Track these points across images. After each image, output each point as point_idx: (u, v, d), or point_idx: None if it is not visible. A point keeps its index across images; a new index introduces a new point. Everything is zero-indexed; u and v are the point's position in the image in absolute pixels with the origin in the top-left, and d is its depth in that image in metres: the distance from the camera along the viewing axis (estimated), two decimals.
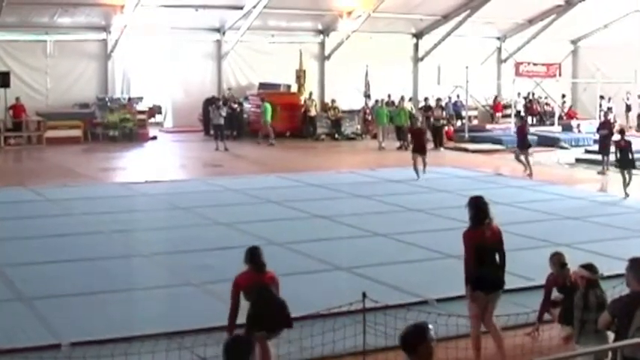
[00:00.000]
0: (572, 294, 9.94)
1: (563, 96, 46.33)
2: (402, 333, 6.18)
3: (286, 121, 39.22)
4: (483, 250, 10.34)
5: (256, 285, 9.54)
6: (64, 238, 16.87)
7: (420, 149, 25.82)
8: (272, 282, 9.72)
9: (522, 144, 27.49)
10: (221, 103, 36.41)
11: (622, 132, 25.62)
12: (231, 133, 37.67)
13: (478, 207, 10.48)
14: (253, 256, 9.77)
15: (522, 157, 26.94)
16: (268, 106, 37.32)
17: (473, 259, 10.31)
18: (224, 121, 34.95)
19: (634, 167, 24.12)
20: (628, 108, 44.91)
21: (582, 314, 8.72)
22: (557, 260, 11.01)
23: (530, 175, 26.31)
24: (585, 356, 7.97)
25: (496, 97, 47.30)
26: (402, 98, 40.17)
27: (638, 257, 8.36)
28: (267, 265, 9.76)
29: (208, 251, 15.95)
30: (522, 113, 44.22)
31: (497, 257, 10.45)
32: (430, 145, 36.19)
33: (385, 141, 36.18)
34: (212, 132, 36.11)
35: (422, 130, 28.24)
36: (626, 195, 22.82)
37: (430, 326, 6.16)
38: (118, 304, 12.48)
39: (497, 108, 46.90)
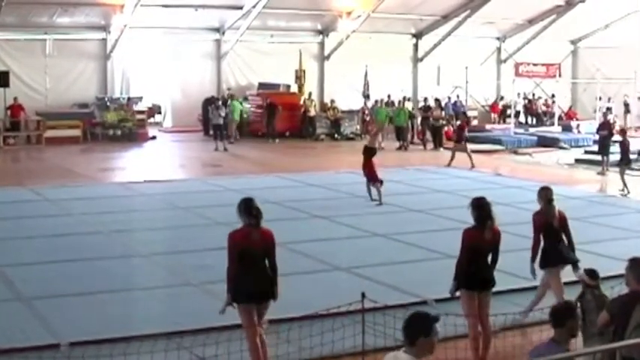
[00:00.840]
0: (556, 234, 11.37)
1: (553, 95, 46.32)
2: (407, 321, 6.28)
3: (286, 121, 39.21)
4: (480, 250, 10.39)
5: (249, 250, 9.43)
6: (63, 238, 16.85)
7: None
8: (268, 240, 9.62)
9: (459, 137, 29.86)
10: (220, 103, 36.41)
11: (624, 132, 25.99)
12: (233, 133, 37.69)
13: (482, 208, 10.49)
14: (248, 208, 9.57)
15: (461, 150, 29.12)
16: (237, 104, 37.67)
17: (466, 258, 10.35)
18: (223, 121, 34.97)
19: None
20: (627, 109, 44.88)
21: (582, 317, 8.70)
22: (545, 195, 11.72)
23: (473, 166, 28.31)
24: (586, 356, 7.98)
25: (500, 98, 47.21)
26: (405, 98, 40.25)
27: (638, 257, 8.37)
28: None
29: (207, 251, 15.90)
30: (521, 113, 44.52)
31: (489, 258, 10.49)
32: (430, 146, 36.40)
33: (385, 141, 36.15)
34: (211, 132, 36.13)
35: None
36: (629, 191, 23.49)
37: (437, 319, 6.26)
38: (117, 304, 12.46)
39: (494, 109, 46.87)
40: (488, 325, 10.48)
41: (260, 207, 9.59)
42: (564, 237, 11.80)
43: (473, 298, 10.37)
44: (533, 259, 11.70)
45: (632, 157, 25.75)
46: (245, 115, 39.02)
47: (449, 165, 28.66)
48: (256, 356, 9.57)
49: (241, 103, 38.64)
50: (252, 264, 9.49)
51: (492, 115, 46.48)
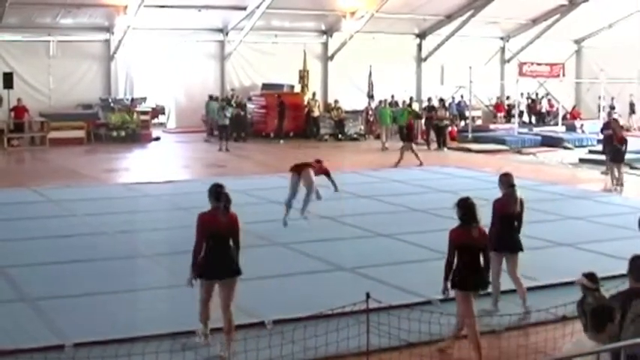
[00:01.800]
0: (514, 221, 12.31)
1: (547, 94, 46.30)
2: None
3: (290, 121, 39.22)
4: (469, 249, 10.44)
5: (216, 231, 10.30)
6: (67, 239, 16.87)
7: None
8: (233, 223, 10.47)
9: (408, 137, 30.14)
10: (225, 103, 36.49)
11: (608, 125, 26.50)
12: (239, 135, 37.71)
13: (467, 207, 10.60)
14: (217, 193, 10.49)
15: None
16: (214, 104, 38.05)
17: (458, 258, 10.46)
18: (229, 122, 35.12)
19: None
20: (632, 109, 44.85)
21: (584, 321, 8.67)
22: (507, 181, 12.54)
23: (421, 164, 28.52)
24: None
25: (505, 98, 47.19)
26: (411, 99, 40.31)
27: (638, 255, 8.41)
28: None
29: None
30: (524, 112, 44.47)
31: (481, 258, 10.52)
32: (434, 145, 36.40)
33: (388, 141, 36.15)
34: (216, 132, 36.20)
35: None
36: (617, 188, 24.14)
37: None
38: (122, 305, 12.47)
39: (498, 108, 46.85)
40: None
41: (229, 194, 10.50)
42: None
43: (468, 298, 10.43)
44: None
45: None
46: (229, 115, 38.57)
47: (396, 165, 28.53)
48: (205, 316, 10.60)
49: (231, 104, 38.29)
50: (217, 243, 10.30)
51: (498, 114, 46.38)
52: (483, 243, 10.52)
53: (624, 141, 25.41)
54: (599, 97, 41.69)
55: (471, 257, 10.39)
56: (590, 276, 8.85)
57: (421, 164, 28.66)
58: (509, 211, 12.18)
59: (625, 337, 7.78)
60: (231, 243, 10.43)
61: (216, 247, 10.34)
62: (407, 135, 30.55)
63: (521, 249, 12.37)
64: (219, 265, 10.33)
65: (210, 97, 39.08)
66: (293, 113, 39.37)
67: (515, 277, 12.25)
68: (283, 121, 38.57)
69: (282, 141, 37.77)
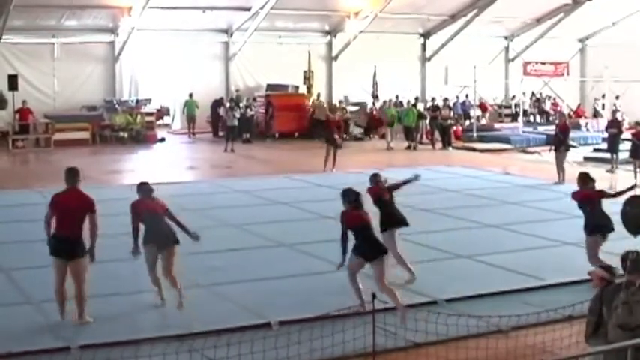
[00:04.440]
0: (388, 204, 14.02)
1: (533, 94, 46.27)
2: None
3: (294, 122, 39.23)
4: (364, 228, 12.01)
5: (149, 212, 12.48)
6: None
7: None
8: (162, 209, 12.58)
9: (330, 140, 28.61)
10: (234, 104, 36.60)
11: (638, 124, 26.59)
12: (246, 136, 37.77)
13: (356, 194, 12.36)
14: (144, 188, 12.88)
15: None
16: (192, 102, 39.28)
17: (346, 235, 12.09)
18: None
19: None
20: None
21: (597, 317, 8.65)
22: (376, 180, 14.04)
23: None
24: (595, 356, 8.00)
25: (511, 98, 47.09)
26: (416, 99, 40.33)
27: (631, 250, 8.47)
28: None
29: (217, 253, 15.95)
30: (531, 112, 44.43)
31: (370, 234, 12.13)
32: (438, 145, 36.39)
33: (393, 141, 36.15)
34: (222, 133, 36.32)
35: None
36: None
37: None
38: (127, 307, 12.47)
39: (578, 113, 45.99)
40: (387, 287, 11.83)
41: (152, 187, 12.96)
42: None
43: (362, 264, 12.10)
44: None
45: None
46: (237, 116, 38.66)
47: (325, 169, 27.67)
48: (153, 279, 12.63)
49: (239, 105, 38.47)
50: (152, 223, 12.42)
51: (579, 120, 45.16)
52: (369, 223, 12.24)
53: None
54: (602, 96, 41.63)
55: (364, 233, 11.99)
56: (608, 268, 8.84)
57: (333, 169, 27.45)
58: (380, 197, 14.02)
59: (610, 322, 8.08)
60: (166, 219, 12.50)
61: (152, 226, 12.42)
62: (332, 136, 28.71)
63: (405, 224, 14.31)
64: (155, 238, 12.43)
65: (190, 95, 39.85)
66: (297, 114, 39.37)
67: (396, 254, 13.75)
68: (272, 121, 38.69)
69: (268, 139, 37.87)
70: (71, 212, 11.78)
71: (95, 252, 11.79)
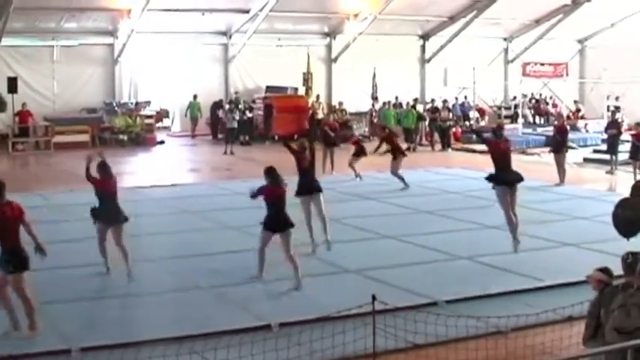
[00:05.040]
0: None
1: (532, 96, 46.27)
2: None
3: (293, 124, 39.21)
4: (279, 200, 13.93)
5: (103, 188, 14.60)
6: (73, 244, 16.87)
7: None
8: (115, 187, 14.82)
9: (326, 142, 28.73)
10: (233, 106, 36.60)
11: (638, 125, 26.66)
12: (244, 138, 37.78)
13: (274, 171, 14.23)
14: (104, 166, 14.95)
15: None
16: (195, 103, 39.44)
17: (271, 207, 13.98)
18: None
19: None
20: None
21: (597, 320, 8.64)
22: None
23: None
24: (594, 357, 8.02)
25: (512, 99, 47.00)
26: (416, 100, 40.33)
27: (631, 251, 8.50)
28: None
29: (218, 255, 15.97)
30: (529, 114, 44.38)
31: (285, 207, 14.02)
32: (438, 147, 36.41)
33: None
34: (221, 135, 36.32)
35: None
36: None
37: None
38: (128, 309, 12.49)
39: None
40: (293, 258, 13.78)
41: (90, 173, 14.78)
42: None
43: (270, 237, 14.01)
44: None
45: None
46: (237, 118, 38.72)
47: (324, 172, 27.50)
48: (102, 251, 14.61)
49: (239, 107, 38.56)
50: (107, 200, 14.54)
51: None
52: (284, 195, 14.15)
53: None
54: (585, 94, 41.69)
55: (279, 205, 13.94)
56: (606, 270, 8.85)
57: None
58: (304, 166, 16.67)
59: (607, 325, 8.07)
60: (117, 201, 14.56)
61: (106, 202, 14.58)
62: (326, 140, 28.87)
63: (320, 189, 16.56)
64: (109, 214, 14.43)
65: (195, 97, 39.92)
66: (296, 116, 39.35)
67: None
68: (270, 123, 38.65)
69: (267, 141, 37.89)
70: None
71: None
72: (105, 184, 14.61)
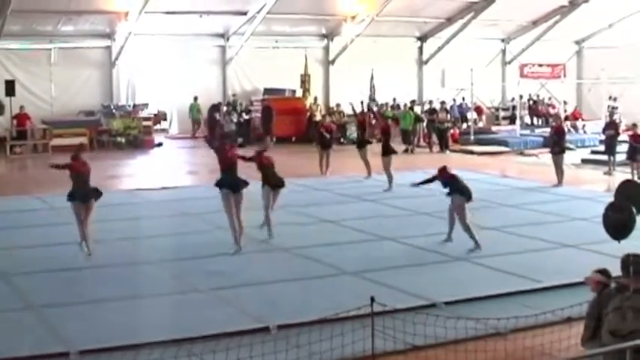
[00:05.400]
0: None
1: (512, 99, 46.24)
2: None
3: (291, 125, 39.26)
4: (231, 161, 16.48)
5: (77, 170, 16.07)
6: (71, 246, 16.83)
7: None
8: (86, 167, 16.23)
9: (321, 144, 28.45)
10: (231, 108, 36.60)
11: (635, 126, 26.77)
12: (239, 140, 37.78)
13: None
14: (76, 155, 16.45)
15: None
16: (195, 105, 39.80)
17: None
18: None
19: None
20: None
21: (596, 321, 8.62)
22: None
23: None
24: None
25: (511, 100, 47.03)
26: (413, 102, 40.34)
27: (629, 253, 8.48)
28: None
29: (215, 257, 15.95)
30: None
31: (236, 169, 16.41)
32: (436, 148, 36.43)
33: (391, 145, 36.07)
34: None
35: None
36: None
37: None
38: (126, 312, 12.46)
39: (575, 115, 45.87)
40: (240, 218, 16.47)
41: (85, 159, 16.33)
42: None
43: (229, 196, 16.36)
44: None
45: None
46: (235, 121, 38.82)
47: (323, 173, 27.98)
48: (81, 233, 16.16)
49: (236, 109, 38.66)
50: (81, 181, 16.11)
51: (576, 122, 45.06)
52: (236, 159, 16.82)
53: None
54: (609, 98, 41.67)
55: (231, 167, 16.44)
56: (604, 271, 8.84)
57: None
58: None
59: (603, 327, 8.07)
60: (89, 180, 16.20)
61: (81, 183, 16.08)
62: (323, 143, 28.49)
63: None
64: (85, 192, 16.06)
65: (195, 99, 40.05)
66: (294, 118, 39.39)
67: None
68: (270, 125, 38.69)
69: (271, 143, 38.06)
70: None
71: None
72: (78, 165, 16.21)
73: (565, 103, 44.16)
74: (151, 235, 18.31)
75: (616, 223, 13.34)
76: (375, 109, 40.06)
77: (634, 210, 14.22)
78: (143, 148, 36.42)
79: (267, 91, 41.03)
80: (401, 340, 10.77)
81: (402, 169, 27.08)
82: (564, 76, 43.79)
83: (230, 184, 16.39)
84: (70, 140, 35.17)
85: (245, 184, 16.47)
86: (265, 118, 38.69)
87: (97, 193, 16.26)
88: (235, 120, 35.56)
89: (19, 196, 23.51)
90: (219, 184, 16.53)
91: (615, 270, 8.64)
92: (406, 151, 35.92)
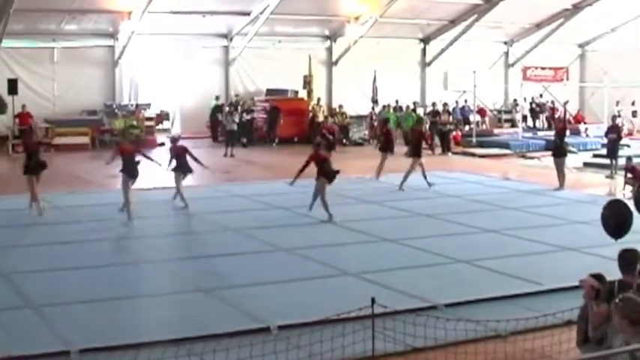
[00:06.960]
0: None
1: (532, 100, 46.21)
2: None
3: (294, 126, 39.24)
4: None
5: (30, 146, 19.82)
6: (72, 245, 16.89)
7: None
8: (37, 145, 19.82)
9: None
10: (233, 108, 36.60)
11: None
12: (242, 140, 37.77)
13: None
14: (30, 132, 19.29)
15: None
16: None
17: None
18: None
19: None
20: (634, 113, 44.80)
21: (587, 325, 8.57)
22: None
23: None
24: None
25: (514, 102, 46.99)
26: (415, 104, 40.34)
27: (627, 248, 8.47)
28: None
29: (217, 257, 15.97)
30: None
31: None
32: (438, 150, 36.42)
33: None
34: (222, 138, 36.31)
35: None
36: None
37: None
38: (127, 311, 12.48)
39: (578, 119, 45.96)
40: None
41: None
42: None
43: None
44: None
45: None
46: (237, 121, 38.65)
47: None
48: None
49: (238, 109, 38.63)
50: (34, 155, 19.56)
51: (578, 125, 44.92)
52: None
53: None
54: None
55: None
56: (598, 277, 8.80)
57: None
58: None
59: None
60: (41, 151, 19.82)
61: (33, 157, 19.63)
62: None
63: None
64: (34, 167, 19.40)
65: (217, 98, 39.79)
66: (297, 119, 39.39)
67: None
68: (275, 125, 38.75)
69: (274, 144, 37.97)
70: None
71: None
72: (31, 142, 21.10)
73: (567, 102, 44.01)
74: (153, 234, 18.35)
75: (615, 222, 13.30)
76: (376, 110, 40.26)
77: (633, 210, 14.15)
78: (145, 148, 36.31)
79: (269, 91, 41.05)
80: (401, 341, 10.77)
81: (403, 171, 27.10)
82: (567, 79, 43.77)
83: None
84: (72, 139, 35.32)
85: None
86: (272, 119, 38.66)
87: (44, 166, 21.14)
88: (237, 120, 35.48)
89: (20, 194, 23.47)
90: None
91: (615, 274, 8.60)
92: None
